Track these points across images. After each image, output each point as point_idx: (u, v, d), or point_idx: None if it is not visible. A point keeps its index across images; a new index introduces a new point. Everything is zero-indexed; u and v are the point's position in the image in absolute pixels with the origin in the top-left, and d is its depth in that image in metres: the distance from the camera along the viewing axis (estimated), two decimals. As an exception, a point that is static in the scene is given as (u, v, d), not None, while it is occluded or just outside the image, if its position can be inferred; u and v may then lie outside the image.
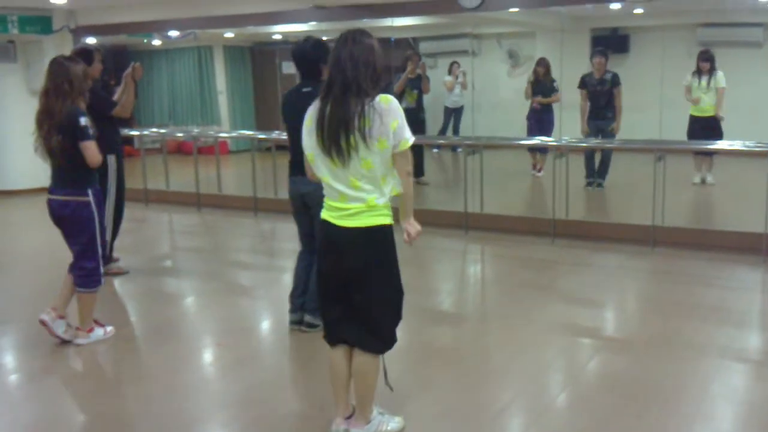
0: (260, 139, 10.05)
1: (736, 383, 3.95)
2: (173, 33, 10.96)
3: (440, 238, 7.14)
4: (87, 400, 3.94)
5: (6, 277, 6.44)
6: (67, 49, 7.95)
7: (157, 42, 13.40)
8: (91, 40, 10.00)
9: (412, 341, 4.39)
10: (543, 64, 9.81)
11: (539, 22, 10.94)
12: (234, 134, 12.78)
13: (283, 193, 5.64)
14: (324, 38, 4.43)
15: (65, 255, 4.58)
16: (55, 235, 4.57)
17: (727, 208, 8.40)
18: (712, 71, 8.90)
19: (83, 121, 4.27)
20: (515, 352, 4.38)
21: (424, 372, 4.11)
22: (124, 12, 9.65)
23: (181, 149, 12.74)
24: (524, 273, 6.18)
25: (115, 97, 5.95)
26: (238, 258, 7.19)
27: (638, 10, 9.80)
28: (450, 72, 11.99)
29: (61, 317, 4.51)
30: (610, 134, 8.86)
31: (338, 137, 2.92)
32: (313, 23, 8.99)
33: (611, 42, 11.53)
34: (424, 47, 12.85)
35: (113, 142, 5.86)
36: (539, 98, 9.79)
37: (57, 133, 4.26)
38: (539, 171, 10.02)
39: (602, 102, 8.95)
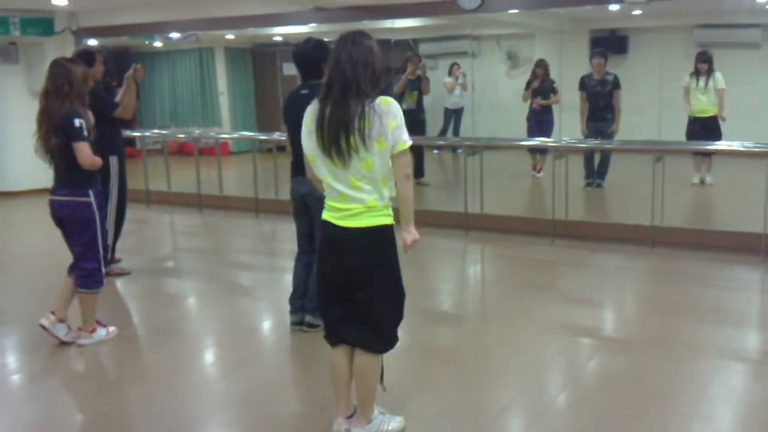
0: (261, 140, 10.05)
1: (735, 383, 3.96)
2: (174, 35, 10.99)
3: (440, 238, 7.16)
4: (88, 401, 3.95)
5: (7, 278, 6.46)
6: (69, 51, 7.95)
7: (158, 43, 13.42)
8: (92, 42, 10.01)
9: (413, 341, 4.40)
10: (542, 65, 9.82)
11: (538, 23, 10.97)
12: (235, 135, 12.79)
13: (284, 194, 5.65)
14: (324, 39, 4.46)
15: (65, 256, 4.58)
16: (56, 236, 4.58)
17: (725, 209, 8.41)
18: (710, 72, 8.91)
19: (78, 122, 4.26)
20: (515, 352, 4.39)
21: (424, 372, 4.13)
22: (126, 14, 9.67)
23: (182, 150, 12.74)
24: (524, 273, 6.20)
25: (117, 99, 5.97)
26: (240, 259, 7.20)
27: (637, 12, 9.82)
28: (450, 73, 12.01)
29: (61, 321, 4.51)
30: (609, 136, 8.86)
31: (338, 138, 2.94)
32: (314, 25, 9.00)
33: (610, 43, 11.55)
34: (424, 49, 12.88)
35: (115, 144, 5.88)
36: (539, 100, 9.80)
37: (54, 134, 4.27)
38: (539, 172, 10.03)
39: (601, 103, 8.94)
